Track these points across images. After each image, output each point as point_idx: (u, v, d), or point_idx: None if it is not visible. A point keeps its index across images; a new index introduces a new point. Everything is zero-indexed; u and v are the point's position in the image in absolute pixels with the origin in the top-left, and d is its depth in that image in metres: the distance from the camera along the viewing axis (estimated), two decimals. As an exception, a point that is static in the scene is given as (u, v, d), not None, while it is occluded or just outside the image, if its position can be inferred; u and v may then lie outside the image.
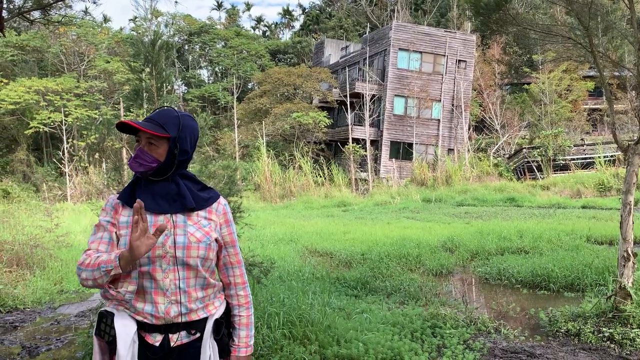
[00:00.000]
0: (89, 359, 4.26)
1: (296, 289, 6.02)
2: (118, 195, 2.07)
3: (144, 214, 1.84)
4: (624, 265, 5.23)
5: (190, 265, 2.00)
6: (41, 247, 8.62)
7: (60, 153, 27.87)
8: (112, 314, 1.99)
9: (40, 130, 29.60)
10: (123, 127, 1.99)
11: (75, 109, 29.58)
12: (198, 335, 2.06)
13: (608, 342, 4.84)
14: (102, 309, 2.04)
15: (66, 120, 29.11)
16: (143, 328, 2.00)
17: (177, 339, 2.03)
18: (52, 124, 29.23)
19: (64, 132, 28.73)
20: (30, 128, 29.07)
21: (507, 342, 5.03)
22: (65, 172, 26.83)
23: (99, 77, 34.59)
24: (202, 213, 2.09)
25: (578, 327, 5.15)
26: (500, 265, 8.33)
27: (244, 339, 2.20)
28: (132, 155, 2.02)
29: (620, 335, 4.83)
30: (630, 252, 5.23)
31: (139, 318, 1.98)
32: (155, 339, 2.01)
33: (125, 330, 1.95)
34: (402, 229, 12.88)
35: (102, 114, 30.63)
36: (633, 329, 4.87)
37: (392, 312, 5.84)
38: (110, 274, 1.87)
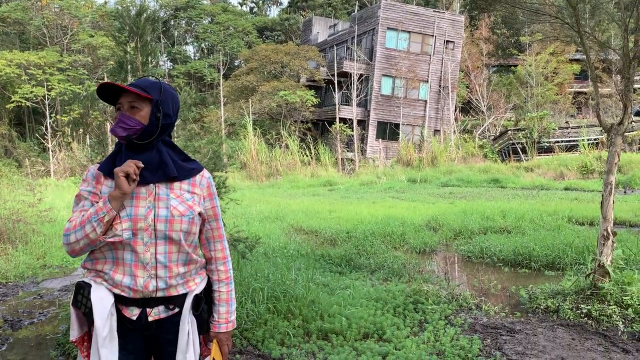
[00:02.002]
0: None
1: (281, 265, 6.05)
2: (99, 165, 2.05)
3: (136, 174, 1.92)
4: (604, 244, 5.32)
5: (173, 239, 1.98)
6: (24, 222, 8.54)
7: (43, 128, 27.42)
8: (90, 285, 1.97)
9: (23, 104, 29.05)
10: (104, 94, 1.98)
11: (59, 83, 29.04)
12: (177, 310, 2.05)
13: (586, 318, 4.95)
14: (80, 279, 2.02)
15: (49, 95, 28.59)
16: (120, 301, 1.98)
17: (155, 313, 2.02)
18: (34, 98, 28.69)
19: (47, 106, 28.24)
20: (12, 102, 28.53)
21: (488, 318, 5.12)
22: (48, 148, 26.45)
23: (82, 51, 33.94)
24: (185, 186, 2.06)
25: (557, 304, 5.26)
26: (482, 244, 8.43)
27: (224, 314, 2.18)
28: (115, 122, 1.98)
29: (598, 312, 4.94)
30: (609, 230, 5.32)
31: (117, 291, 1.97)
32: (133, 313, 1.99)
33: (101, 302, 1.93)
34: (387, 208, 12.96)
35: (85, 88, 30.12)
36: (610, 305, 4.98)
37: (375, 288, 5.91)
38: (104, 221, 1.88)
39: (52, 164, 25.37)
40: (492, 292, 6.22)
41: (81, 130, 28.22)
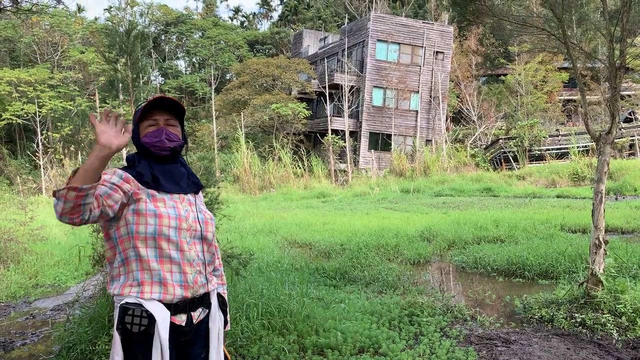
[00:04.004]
0: (65, 353, 4.22)
1: (275, 279, 6.03)
2: (132, 173, 2.06)
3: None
4: (596, 253, 5.35)
5: (207, 239, 2.17)
6: (15, 241, 8.46)
7: (35, 145, 27.27)
8: (139, 305, 1.98)
9: (13, 121, 28.95)
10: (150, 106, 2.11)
11: (50, 100, 28.97)
12: (207, 310, 2.19)
13: (580, 327, 4.96)
14: (122, 302, 2.00)
15: (40, 112, 28.49)
16: (169, 310, 2.06)
17: (198, 315, 2.15)
18: (25, 115, 28.59)
19: (38, 123, 28.12)
20: (3, 120, 28.41)
21: (483, 329, 5.12)
22: (39, 165, 26.29)
23: (73, 67, 33.92)
24: (198, 197, 2.29)
25: (551, 314, 5.27)
26: (476, 254, 8.44)
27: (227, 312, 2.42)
28: (152, 135, 2.09)
29: (592, 320, 4.95)
30: (601, 239, 5.34)
31: (168, 297, 2.02)
32: (182, 319, 2.09)
33: (162, 313, 2.00)
34: (380, 219, 12.97)
35: (77, 105, 30.05)
36: (604, 314, 5.00)
37: (370, 301, 5.89)
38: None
39: (44, 181, 25.19)
40: (487, 302, 6.22)
41: (73, 147, 28.10)
